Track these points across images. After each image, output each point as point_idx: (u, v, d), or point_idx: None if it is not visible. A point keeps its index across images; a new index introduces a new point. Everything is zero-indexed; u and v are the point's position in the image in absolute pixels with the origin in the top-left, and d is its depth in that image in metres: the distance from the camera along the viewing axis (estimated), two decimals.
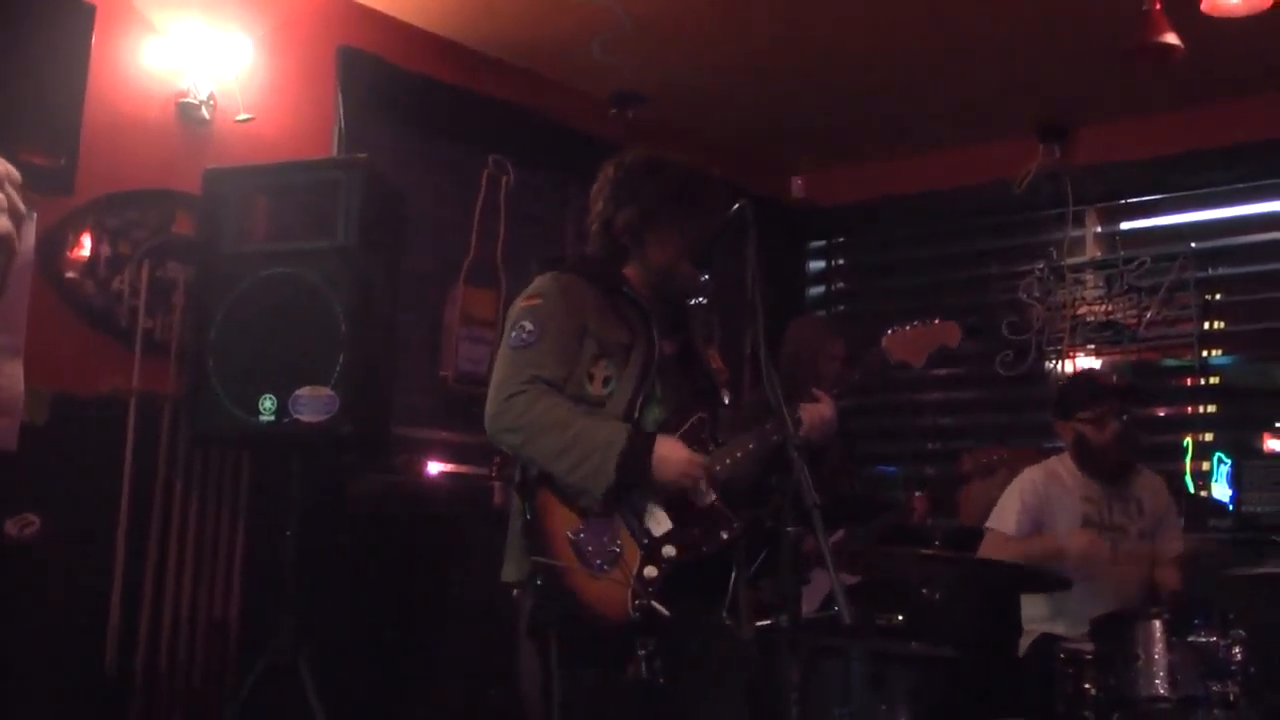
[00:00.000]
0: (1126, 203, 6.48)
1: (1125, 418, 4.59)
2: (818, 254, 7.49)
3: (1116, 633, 3.83)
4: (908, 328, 3.34)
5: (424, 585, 4.88)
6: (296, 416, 4.08)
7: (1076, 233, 6.48)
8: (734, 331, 6.53)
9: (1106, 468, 4.61)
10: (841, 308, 7.45)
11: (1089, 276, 6.41)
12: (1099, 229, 6.54)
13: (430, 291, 5.51)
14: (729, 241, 3.01)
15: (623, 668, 2.84)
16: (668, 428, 3.05)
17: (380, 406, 4.39)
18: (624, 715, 2.90)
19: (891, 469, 7.08)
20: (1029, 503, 4.58)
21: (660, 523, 2.98)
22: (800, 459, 2.65)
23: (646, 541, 2.96)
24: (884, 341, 3.33)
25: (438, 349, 5.53)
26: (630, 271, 3.19)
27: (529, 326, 3.02)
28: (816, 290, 7.47)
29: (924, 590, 4.09)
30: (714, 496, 3.03)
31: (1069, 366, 6.37)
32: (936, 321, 3.37)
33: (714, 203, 3.14)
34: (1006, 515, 4.60)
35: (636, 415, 3.02)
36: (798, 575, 2.82)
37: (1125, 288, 6.24)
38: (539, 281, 3.15)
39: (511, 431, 2.97)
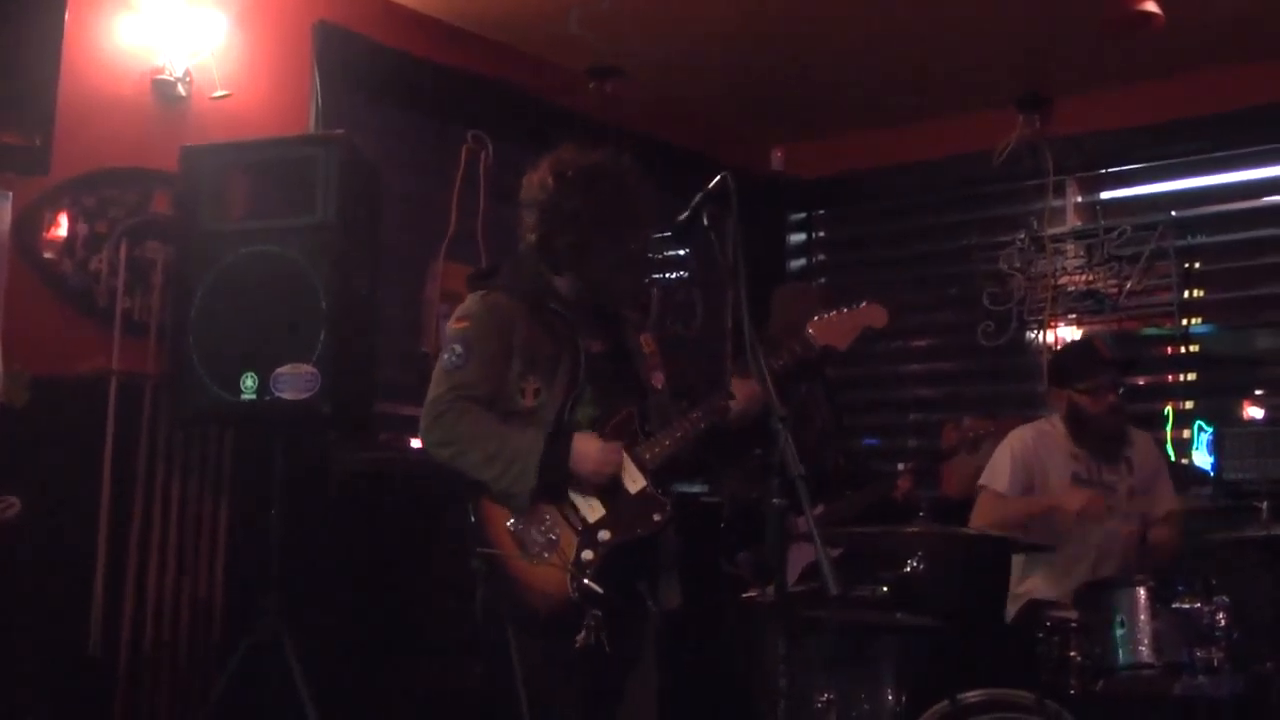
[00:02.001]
0: (1106, 172, 6.46)
1: (1121, 390, 4.63)
2: (798, 226, 7.46)
3: (1100, 600, 3.86)
4: (832, 314, 3.51)
5: (408, 562, 4.86)
6: (278, 394, 4.07)
7: (1057, 203, 6.47)
8: (715, 305, 6.57)
9: (1100, 439, 4.64)
10: (822, 280, 7.44)
11: (1069, 246, 6.41)
12: (1079, 199, 6.53)
13: (410, 267, 5.48)
14: (710, 214, 3.02)
15: (572, 638, 3.08)
16: (598, 424, 3.24)
17: (362, 383, 4.38)
18: (576, 682, 3.16)
19: (874, 440, 7.10)
20: (1020, 458, 4.63)
21: (595, 509, 3.20)
22: (786, 431, 2.65)
23: (581, 528, 3.18)
24: (809, 328, 3.47)
25: (419, 325, 5.50)
26: (564, 282, 3.33)
27: (458, 349, 3.22)
28: (797, 263, 7.45)
29: (908, 561, 4.10)
30: (645, 483, 3.22)
31: (1050, 336, 6.39)
32: (863, 305, 3.54)
33: (650, 214, 3.32)
34: (999, 473, 4.64)
35: (567, 418, 3.22)
36: (784, 548, 2.84)
37: (1106, 257, 6.25)
38: (467, 303, 3.32)
39: (442, 446, 3.18)
